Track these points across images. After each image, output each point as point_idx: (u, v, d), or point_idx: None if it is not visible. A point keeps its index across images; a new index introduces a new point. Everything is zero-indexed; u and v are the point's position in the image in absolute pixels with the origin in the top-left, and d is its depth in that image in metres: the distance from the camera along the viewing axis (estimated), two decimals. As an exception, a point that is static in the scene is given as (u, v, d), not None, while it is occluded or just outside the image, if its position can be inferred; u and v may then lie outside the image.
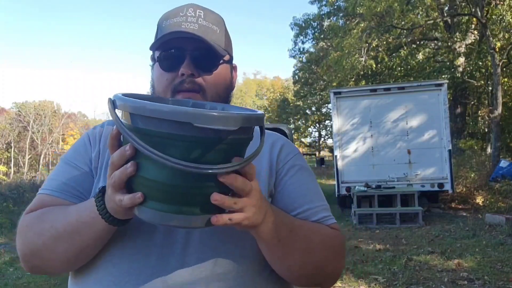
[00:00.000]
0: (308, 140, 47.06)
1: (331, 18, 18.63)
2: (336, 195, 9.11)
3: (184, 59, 0.86)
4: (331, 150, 13.86)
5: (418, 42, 17.20)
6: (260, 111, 0.69)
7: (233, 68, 0.98)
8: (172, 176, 0.59)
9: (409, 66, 17.04)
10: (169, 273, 0.76)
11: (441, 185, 8.43)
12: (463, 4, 14.01)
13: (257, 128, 0.69)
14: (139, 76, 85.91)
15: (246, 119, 0.60)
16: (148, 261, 0.77)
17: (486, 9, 12.34)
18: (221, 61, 0.90)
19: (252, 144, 0.68)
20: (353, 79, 16.57)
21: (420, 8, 13.74)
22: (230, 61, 0.95)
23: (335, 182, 9.16)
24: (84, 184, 0.86)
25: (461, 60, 14.59)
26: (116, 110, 0.63)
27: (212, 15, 0.91)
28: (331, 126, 11.17)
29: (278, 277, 0.84)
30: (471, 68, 14.38)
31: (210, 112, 0.57)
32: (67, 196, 0.84)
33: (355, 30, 14.61)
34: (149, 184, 0.61)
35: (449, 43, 14.84)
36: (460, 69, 14.51)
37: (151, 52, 0.93)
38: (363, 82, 17.05)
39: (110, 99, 0.65)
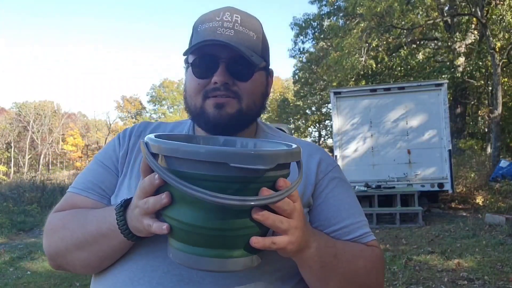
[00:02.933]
0: (308, 140, 47.07)
1: (331, 18, 18.62)
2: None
3: (218, 67, 0.83)
4: (331, 150, 13.83)
5: (418, 42, 17.20)
6: (295, 146, 0.68)
7: (269, 74, 0.94)
8: (206, 217, 0.59)
9: (409, 66, 17.02)
10: (185, 270, 0.76)
11: (441, 185, 8.42)
12: (463, 4, 14.00)
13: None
14: (139, 78, 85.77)
15: (283, 156, 0.60)
16: (166, 258, 0.76)
17: (486, 9, 12.34)
18: (257, 68, 0.87)
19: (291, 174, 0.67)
20: (353, 79, 16.56)
21: (420, 8, 13.76)
22: (266, 67, 0.92)
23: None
24: (108, 183, 0.89)
25: (461, 60, 14.60)
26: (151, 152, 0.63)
27: (249, 20, 0.87)
28: (331, 126, 11.17)
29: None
30: (471, 68, 14.37)
31: (246, 152, 0.57)
32: (92, 194, 0.88)
33: (355, 30, 14.60)
34: (172, 223, 0.63)
35: (449, 43, 14.86)
36: (460, 69, 14.51)
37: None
38: (363, 82, 17.03)
39: (143, 141, 0.65)
